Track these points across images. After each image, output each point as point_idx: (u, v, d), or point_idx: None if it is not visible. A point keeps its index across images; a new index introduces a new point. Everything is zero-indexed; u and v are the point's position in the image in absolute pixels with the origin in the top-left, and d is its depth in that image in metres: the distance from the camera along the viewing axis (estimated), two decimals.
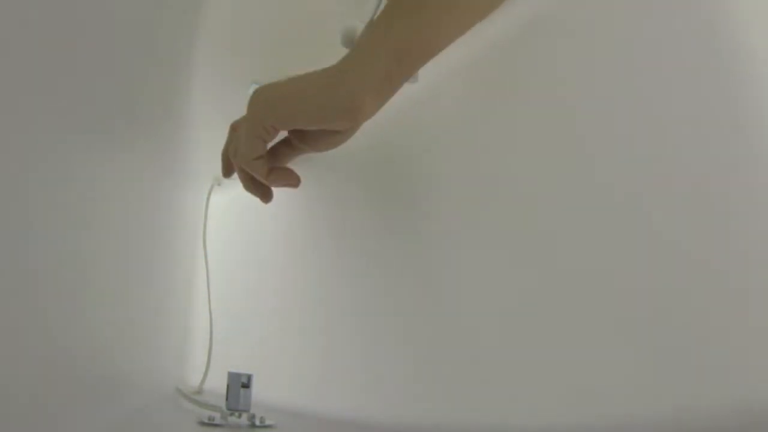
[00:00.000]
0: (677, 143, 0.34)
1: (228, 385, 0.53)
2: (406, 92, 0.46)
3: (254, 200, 0.53)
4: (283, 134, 0.48)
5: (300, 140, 0.47)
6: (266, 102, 0.44)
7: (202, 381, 0.78)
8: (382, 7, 0.54)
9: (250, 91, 0.71)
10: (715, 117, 0.33)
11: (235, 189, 0.93)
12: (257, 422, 0.51)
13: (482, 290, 0.46)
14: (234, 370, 0.53)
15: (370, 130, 0.47)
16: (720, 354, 0.30)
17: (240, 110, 0.78)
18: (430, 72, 0.46)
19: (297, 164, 0.50)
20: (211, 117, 0.80)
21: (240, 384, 0.52)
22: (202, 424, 0.50)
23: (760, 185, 0.30)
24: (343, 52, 0.58)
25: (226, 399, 0.52)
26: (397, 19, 0.43)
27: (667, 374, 0.32)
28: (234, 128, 0.52)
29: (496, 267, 0.45)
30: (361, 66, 0.42)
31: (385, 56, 0.42)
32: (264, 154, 0.46)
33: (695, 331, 0.31)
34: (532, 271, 0.42)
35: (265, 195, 0.53)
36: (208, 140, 0.85)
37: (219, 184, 0.93)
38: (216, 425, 0.50)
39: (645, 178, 0.35)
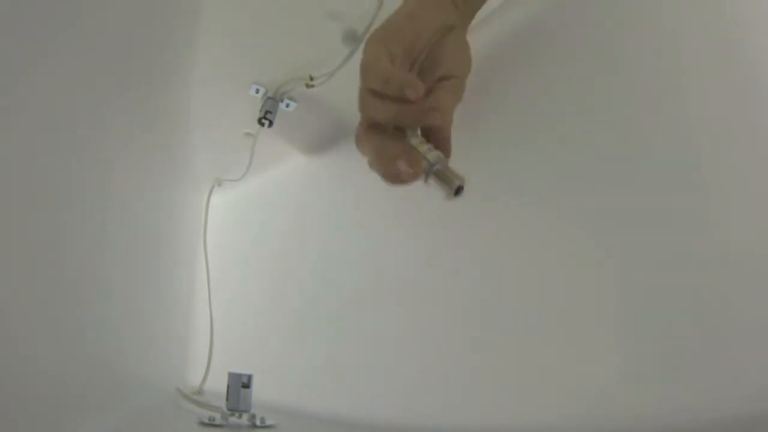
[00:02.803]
0: (676, 144, 0.34)
1: (228, 386, 0.53)
2: None
3: (254, 200, 0.53)
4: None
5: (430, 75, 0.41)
6: (383, 28, 0.40)
7: (203, 381, 0.78)
8: (382, 7, 0.54)
9: (251, 91, 0.71)
10: (715, 117, 0.33)
11: (235, 189, 0.93)
12: (258, 422, 0.51)
13: (480, 292, 0.46)
14: (234, 370, 0.53)
15: None
16: (720, 354, 0.30)
17: (240, 110, 0.78)
18: None
19: (299, 166, 0.50)
20: (211, 117, 0.80)
21: (240, 384, 0.52)
22: (203, 424, 0.50)
23: (761, 187, 0.30)
24: (344, 52, 0.58)
25: (227, 399, 0.52)
26: None
27: (666, 374, 0.32)
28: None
29: (497, 267, 0.45)
30: None
31: None
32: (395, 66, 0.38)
33: (695, 331, 0.31)
34: (532, 272, 0.42)
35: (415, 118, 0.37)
36: (208, 140, 0.85)
37: (219, 185, 0.93)
38: (216, 425, 0.50)
39: (644, 179, 0.35)
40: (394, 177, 0.38)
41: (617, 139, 0.38)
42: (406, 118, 0.37)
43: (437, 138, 0.40)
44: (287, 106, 0.73)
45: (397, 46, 0.39)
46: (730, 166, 0.32)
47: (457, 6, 0.43)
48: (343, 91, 0.51)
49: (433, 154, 0.37)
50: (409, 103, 0.36)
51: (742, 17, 0.33)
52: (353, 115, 0.41)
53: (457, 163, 0.49)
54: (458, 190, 0.36)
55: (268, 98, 0.72)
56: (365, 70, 0.38)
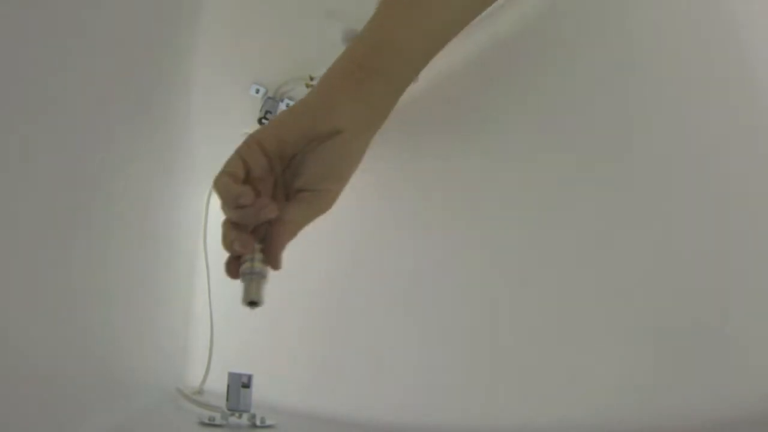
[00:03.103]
0: (678, 144, 0.34)
1: (228, 386, 0.53)
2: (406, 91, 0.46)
3: None
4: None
5: (290, 181, 0.44)
6: (249, 136, 0.43)
7: (203, 381, 0.78)
8: None
9: (251, 91, 0.71)
10: (717, 118, 0.33)
11: None
12: (258, 422, 0.51)
13: (479, 293, 0.46)
14: (234, 370, 0.53)
15: None
16: (720, 354, 0.30)
17: (240, 111, 0.78)
18: (431, 71, 0.46)
19: None
20: (212, 118, 0.80)
21: (240, 384, 0.52)
22: (203, 424, 0.50)
23: (761, 185, 0.30)
24: None
25: (227, 399, 0.52)
26: (374, 15, 0.43)
27: (666, 374, 0.32)
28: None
29: (496, 268, 0.45)
30: (332, 65, 0.43)
31: (350, 52, 0.43)
32: (237, 174, 0.42)
33: (696, 331, 0.31)
34: (533, 271, 0.42)
35: (242, 240, 0.42)
36: (208, 140, 0.85)
37: None
38: (216, 425, 0.50)
39: (645, 179, 0.35)
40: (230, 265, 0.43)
41: (619, 139, 0.38)
42: (245, 218, 0.42)
43: (268, 249, 0.43)
44: (287, 106, 0.73)
45: (255, 156, 0.42)
46: (729, 167, 0.32)
47: (356, 104, 0.41)
48: None
49: (250, 264, 0.42)
50: (245, 207, 0.41)
51: (742, 19, 0.33)
52: None
53: (462, 164, 0.49)
54: (251, 304, 0.41)
55: (268, 98, 0.72)
56: (213, 187, 0.42)
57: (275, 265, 0.44)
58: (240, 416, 0.52)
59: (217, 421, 0.50)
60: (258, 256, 0.43)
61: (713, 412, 0.30)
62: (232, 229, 0.43)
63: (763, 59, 0.32)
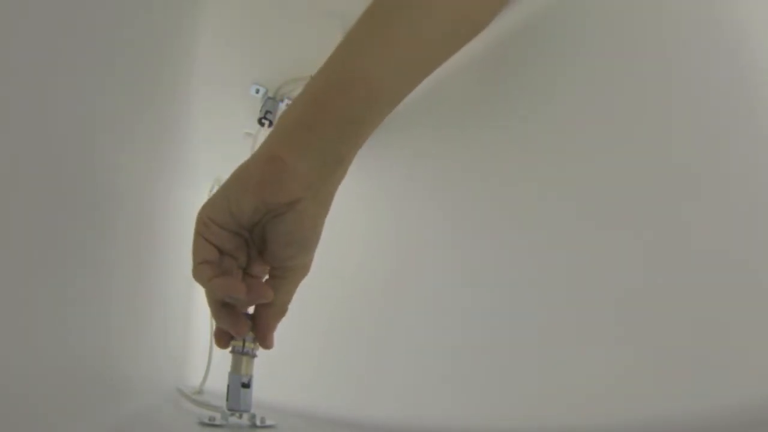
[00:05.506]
0: (679, 144, 0.34)
1: (228, 386, 0.53)
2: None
3: None
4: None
5: (259, 254, 0.42)
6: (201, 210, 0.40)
7: (203, 381, 0.78)
8: None
9: (251, 91, 0.71)
10: (717, 118, 0.33)
11: None
12: (258, 422, 0.51)
13: (479, 294, 0.46)
14: None
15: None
16: (720, 354, 0.30)
17: (240, 110, 0.78)
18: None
19: None
20: (212, 117, 0.80)
21: (240, 384, 0.52)
22: (203, 424, 0.50)
23: (761, 185, 0.30)
24: None
25: (227, 399, 0.52)
26: (337, 48, 0.40)
27: (667, 374, 0.32)
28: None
29: (494, 267, 0.45)
30: (281, 115, 0.40)
31: (301, 101, 0.39)
32: (211, 258, 0.38)
33: (695, 330, 0.31)
34: (532, 271, 0.42)
35: (236, 326, 0.41)
36: (209, 140, 0.86)
37: (219, 184, 0.93)
38: (216, 425, 0.50)
39: (645, 178, 0.35)
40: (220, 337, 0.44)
41: (621, 140, 0.38)
42: (239, 303, 0.41)
43: (259, 332, 0.43)
44: (287, 106, 0.73)
45: (216, 233, 0.39)
46: (728, 167, 0.32)
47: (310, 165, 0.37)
48: None
49: (240, 343, 0.43)
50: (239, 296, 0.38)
51: (745, 22, 0.33)
52: None
53: (463, 164, 0.49)
54: (240, 379, 0.44)
55: (268, 98, 0.72)
56: (195, 280, 0.40)
57: (268, 346, 0.44)
58: (240, 416, 0.52)
59: (217, 421, 0.50)
60: (249, 335, 0.43)
61: (712, 413, 0.30)
62: (222, 309, 0.41)
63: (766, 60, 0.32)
